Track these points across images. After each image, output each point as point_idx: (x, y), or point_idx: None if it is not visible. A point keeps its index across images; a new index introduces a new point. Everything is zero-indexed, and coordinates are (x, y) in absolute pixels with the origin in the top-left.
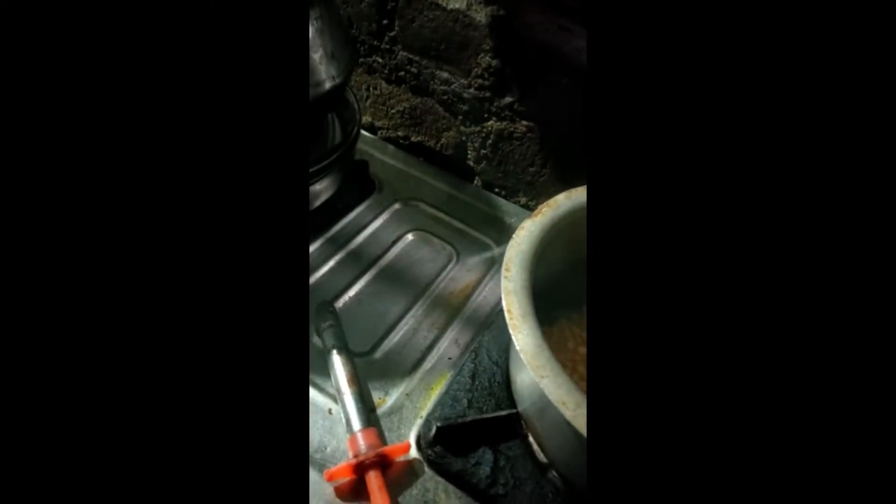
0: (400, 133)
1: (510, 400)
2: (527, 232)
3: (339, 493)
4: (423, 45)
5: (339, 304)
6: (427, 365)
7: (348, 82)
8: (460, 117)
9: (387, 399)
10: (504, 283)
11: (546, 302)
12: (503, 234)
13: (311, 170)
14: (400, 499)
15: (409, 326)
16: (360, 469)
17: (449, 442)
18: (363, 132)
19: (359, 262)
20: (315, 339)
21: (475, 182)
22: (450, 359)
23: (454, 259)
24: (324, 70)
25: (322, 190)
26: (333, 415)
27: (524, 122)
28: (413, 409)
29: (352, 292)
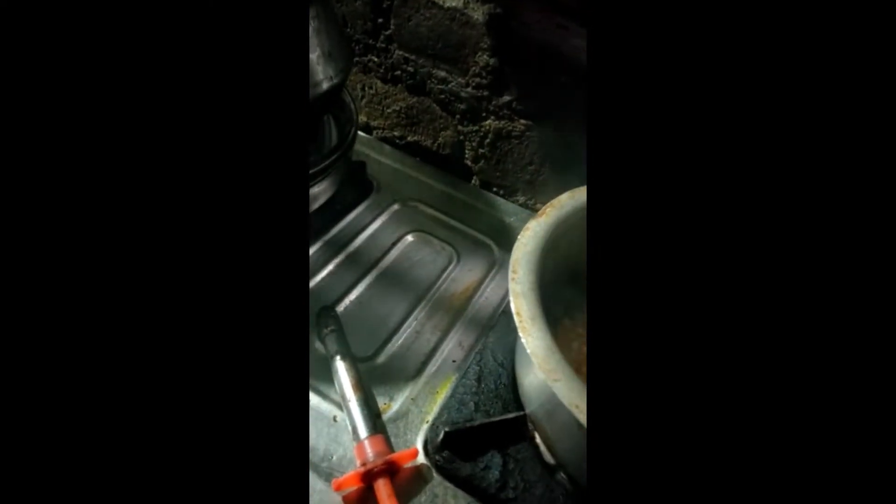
0: (396, 133)
1: (517, 402)
2: (532, 233)
3: (348, 502)
4: (419, 43)
5: (340, 308)
6: (431, 368)
7: (345, 83)
8: (458, 116)
9: (392, 404)
10: (512, 286)
11: (549, 301)
12: (502, 233)
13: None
14: None
15: (412, 329)
16: (369, 477)
17: (457, 446)
18: (359, 132)
19: (359, 264)
20: (317, 345)
21: (473, 181)
22: (454, 361)
23: (454, 260)
24: (321, 70)
25: (320, 192)
26: (338, 422)
27: (523, 121)
28: (419, 414)
29: (352, 296)
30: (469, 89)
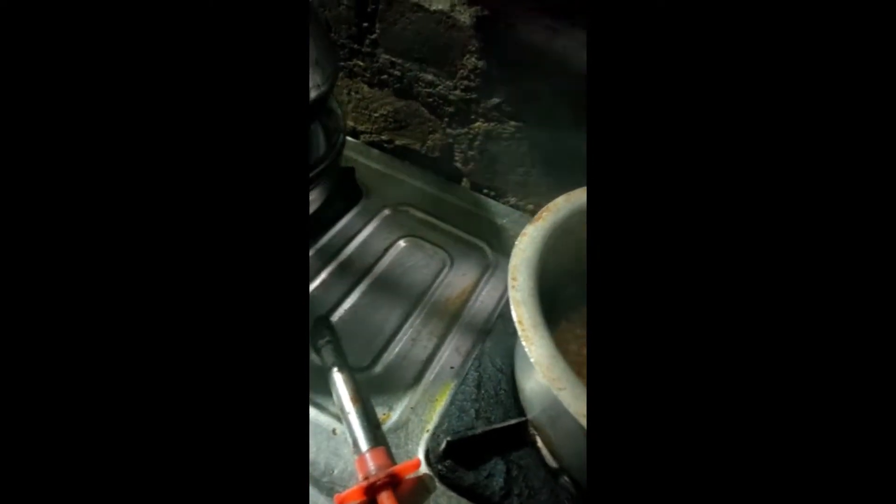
0: (384, 137)
1: (517, 407)
2: (530, 238)
3: None
4: (405, 47)
5: (335, 317)
6: (430, 376)
7: (333, 90)
8: (446, 119)
9: (391, 414)
10: (512, 294)
11: (545, 305)
12: (494, 235)
13: None
14: None
15: (408, 337)
16: (372, 491)
17: (459, 455)
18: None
19: (351, 272)
20: (313, 357)
21: (463, 184)
22: (452, 368)
23: (448, 264)
24: (308, 78)
25: (310, 201)
26: (338, 435)
27: (512, 123)
28: (419, 423)
29: (347, 305)
30: (457, 92)
